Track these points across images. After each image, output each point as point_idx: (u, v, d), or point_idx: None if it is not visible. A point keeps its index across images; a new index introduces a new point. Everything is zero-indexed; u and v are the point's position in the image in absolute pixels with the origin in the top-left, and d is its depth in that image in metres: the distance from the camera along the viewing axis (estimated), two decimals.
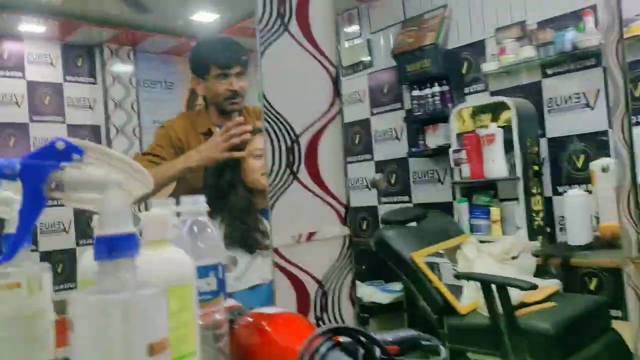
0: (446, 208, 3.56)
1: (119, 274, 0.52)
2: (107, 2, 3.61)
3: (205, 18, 4.04)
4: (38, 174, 0.51)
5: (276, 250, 0.91)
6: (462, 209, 3.09)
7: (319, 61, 1.04)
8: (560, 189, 3.07)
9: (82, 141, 0.53)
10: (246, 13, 4.01)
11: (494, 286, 2.24)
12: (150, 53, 4.53)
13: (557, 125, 3.07)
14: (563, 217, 3.08)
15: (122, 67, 4.35)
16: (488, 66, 3.29)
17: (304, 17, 1.02)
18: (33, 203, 0.51)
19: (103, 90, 4.27)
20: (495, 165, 2.93)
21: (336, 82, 1.06)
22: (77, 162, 0.52)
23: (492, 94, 3.35)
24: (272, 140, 0.95)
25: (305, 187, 0.99)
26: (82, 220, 4.11)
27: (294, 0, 1.00)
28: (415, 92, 3.54)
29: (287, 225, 0.95)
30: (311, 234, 0.97)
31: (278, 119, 0.96)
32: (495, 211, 2.98)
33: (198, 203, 0.77)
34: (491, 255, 2.74)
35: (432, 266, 2.62)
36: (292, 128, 0.98)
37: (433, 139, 3.51)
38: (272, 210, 0.93)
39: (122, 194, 0.54)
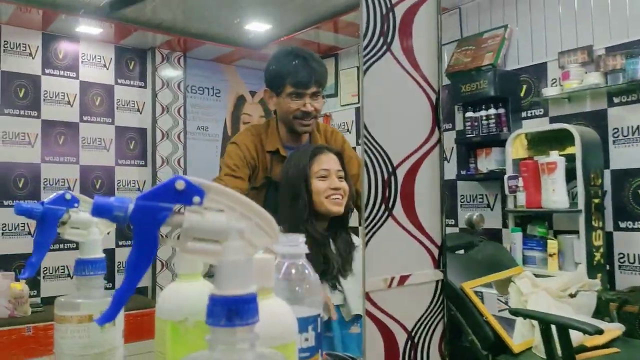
0: (494, 235, 3.40)
1: (236, 345, 0.43)
2: (162, 8, 3.61)
3: (257, 28, 4.00)
4: (153, 217, 0.42)
5: (368, 296, 0.81)
6: (515, 239, 2.93)
7: (420, 85, 0.94)
8: (622, 224, 2.89)
9: (203, 181, 0.44)
10: (297, 25, 3.96)
11: (553, 326, 2.09)
12: (200, 60, 4.52)
13: (623, 156, 2.89)
14: (623, 254, 2.89)
15: (172, 72, 4.35)
16: (549, 91, 3.14)
17: (407, 36, 0.92)
18: (145, 251, 0.43)
19: (152, 94, 4.27)
20: (556, 195, 2.77)
21: (436, 110, 0.95)
22: (197, 206, 0.43)
23: (552, 120, 3.19)
24: (369, 173, 0.85)
25: (400, 224, 0.89)
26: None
27: (398, 15, 0.91)
28: (469, 114, 3.40)
29: (380, 267, 0.85)
30: (404, 278, 0.87)
31: (377, 149, 0.86)
32: (552, 244, 2.81)
33: (298, 245, 0.68)
34: (547, 290, 2.58)
35: (476, 295, 2.48)
36: (389, 159, 0.88)
37: (485, 163, 3.36)
38: (365, 249, 0.83)
39: (244, 245, 0.45)
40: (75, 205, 0.75)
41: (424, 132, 0.94)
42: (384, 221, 0.87)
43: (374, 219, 0.86)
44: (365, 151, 0.84)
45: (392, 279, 0.86)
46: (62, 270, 3.76)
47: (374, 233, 0.85)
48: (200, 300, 0.68)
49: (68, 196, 0.74)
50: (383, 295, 0.84)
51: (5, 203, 3.64)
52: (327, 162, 1.48)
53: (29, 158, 3.76)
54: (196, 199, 0.43)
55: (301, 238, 0.68)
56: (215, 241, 0.44)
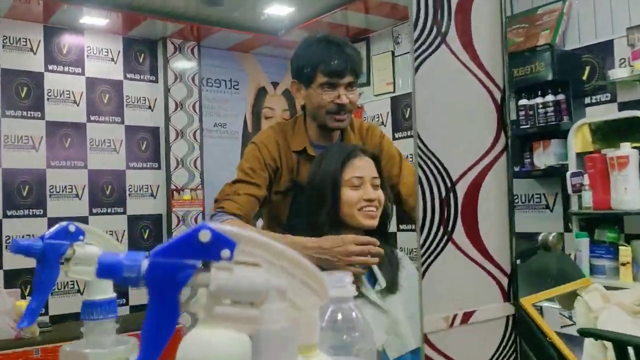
0: None
1: None
2: None
3: (278, 11, 3.96)
4: (173, 278, 0.37)
5: (426, 338, 0.75)
6: (581, 246, 2.82)
7: (482, 82, 0.87)
8: None
9: (233, 229, 0.39)
10: (323, 7, 3.90)
11: (631, 348, 1.99)
12: (216, 49, 4.50)
13: None
14: None
15: (185, 64, 4.34)
16: (617, 73, 3.00)
17: (465, 24, 0.85)
18: (163, 319, 0.37)
19: (164, 89, 4.27)
20: (628, 194, 2.64)
21: (501, 111, 0.88)
22: (226, 262, 0.38)
23: (621, 106, 3.05)
24: (423, 191, 0.78)
25: (462, 250, 0.82)
26: None
27: (453, 1, 0.84)
28: (523, 101, 3.28)
29: (439, 302, 0.79)
30: (468, 315, 0.80)
31: (432, 161, 0.79)
32: (625, 251, 2.69)
33: (344, 285, 0.62)
34: (620, 306, 2.46)
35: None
36: (447, 173, 0.81)
37: (543, 157, 3.25)
38: (422, 281, 0.76)
39: (286, 308, 0.40)
40: (80, 238, 0.71)
41: (488, 139, 0.87)
42: (443, 247, 0.81)
43: (430, 244, 0.79)
44: (420, 165, 0.78)
45: (455, 316, 0.80)
46: (72, 286, 3.80)
47: (432, 262, 0.79)
48: (226, 351, 0.63)
49: (72, 228, 0.70)
50: (444, 336, 0.78)
51: (9, 213, 3.69)
52: (362, 168, 1.42)
53: (34, 163, 3.80)
54: (225, 252, 0.38)
55: (347, 277, 0.63)
56: (250, 304, 0.39)
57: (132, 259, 0.38)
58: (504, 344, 0.85)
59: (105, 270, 0.37)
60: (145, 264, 0.38)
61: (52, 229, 0.70)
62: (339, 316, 0.62)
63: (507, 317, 0.86)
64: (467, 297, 0.82)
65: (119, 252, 0.38)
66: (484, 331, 0.83)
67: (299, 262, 0.40)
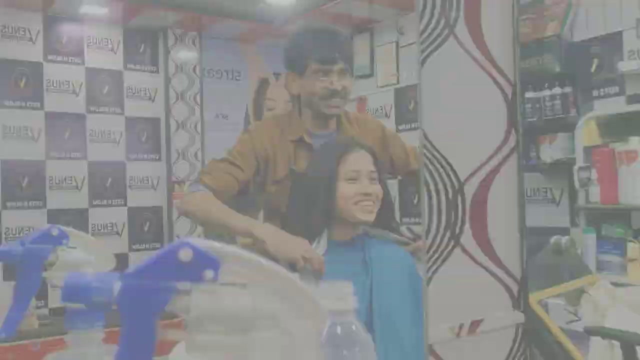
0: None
1: None
2: None
3: (281, 1, 3.90)
4: (148, 303, 0.33)
5: (431, 349, 0.71)
6: (588, 241, 2.77)
7: (492, 76, 0.82)
8: None
9: (217, 246, 0.34)
10: None
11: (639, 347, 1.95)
12: (217, 39, 4.44)
13: None
14: None
15: (187, 54, 4.28)
16: (626, 65, 2.94)
17: (474, 14, 0.80)
18: (137, 349, 0.33)
19: (165, 80, 4.21)
20: (637, 189, 2.60)
21: (512, 107, 0.84)
22: (210, 283, 0.33)
23: (630, 99, 2.99)
24: (430, 193, 0.74)
25: (470, 255, 0.78)
26: None
27: None
28: (530, 94, 3.23)
29: (446, 311, 0.74)
30: (475, 324, 0.76)
31: (439, 161, 0.75)
32: (633, 247, 2.64)
33: (344, 297, 0.57)
34: (629, 303, 2.42)
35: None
36: (455, 173, 0.77)
37: (549, 151, 3.19)
38: (427, 288, 0.72)
39: (278, 335, 0.35)
40: (64, 241, 0.67)
41: (498, 137, 0.83)
42: (450, 252, 0.77)
43: (437, 250, 0.75)
44: (426, 165, 0.73)
45: (461, 325, 0.75)
46: None
47: (438, 268, 0.75)
48: None
49: (54, 231, 0.66)
50: (451, 347, 0.74)
51: (8, 205, 3.66)
52: (358, 161, 1.42)
53: (33, 155, 3.76)
54: (208, 273, 0.33)
55: (347, 288, 0.58)
56: (238, 330, 0.34)
57: (103, 280, 0.33)
58: (514, 353, 0.80)
59: (72, 293, 0.33)
60: (117, 286, 0.33)
61: (34, 233, 0.66)
62: (338, 330, 0.58)
63: (517, 325, 0.81)
64: (474, 304, 0.78)
65: (90, 273, 0.34)
66: (492, 341, 0.79)
67: (291, 283, 0.36)
